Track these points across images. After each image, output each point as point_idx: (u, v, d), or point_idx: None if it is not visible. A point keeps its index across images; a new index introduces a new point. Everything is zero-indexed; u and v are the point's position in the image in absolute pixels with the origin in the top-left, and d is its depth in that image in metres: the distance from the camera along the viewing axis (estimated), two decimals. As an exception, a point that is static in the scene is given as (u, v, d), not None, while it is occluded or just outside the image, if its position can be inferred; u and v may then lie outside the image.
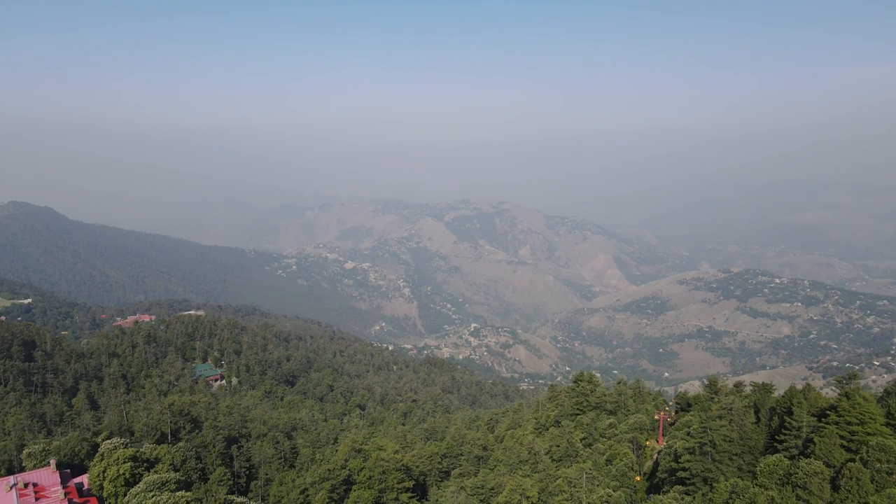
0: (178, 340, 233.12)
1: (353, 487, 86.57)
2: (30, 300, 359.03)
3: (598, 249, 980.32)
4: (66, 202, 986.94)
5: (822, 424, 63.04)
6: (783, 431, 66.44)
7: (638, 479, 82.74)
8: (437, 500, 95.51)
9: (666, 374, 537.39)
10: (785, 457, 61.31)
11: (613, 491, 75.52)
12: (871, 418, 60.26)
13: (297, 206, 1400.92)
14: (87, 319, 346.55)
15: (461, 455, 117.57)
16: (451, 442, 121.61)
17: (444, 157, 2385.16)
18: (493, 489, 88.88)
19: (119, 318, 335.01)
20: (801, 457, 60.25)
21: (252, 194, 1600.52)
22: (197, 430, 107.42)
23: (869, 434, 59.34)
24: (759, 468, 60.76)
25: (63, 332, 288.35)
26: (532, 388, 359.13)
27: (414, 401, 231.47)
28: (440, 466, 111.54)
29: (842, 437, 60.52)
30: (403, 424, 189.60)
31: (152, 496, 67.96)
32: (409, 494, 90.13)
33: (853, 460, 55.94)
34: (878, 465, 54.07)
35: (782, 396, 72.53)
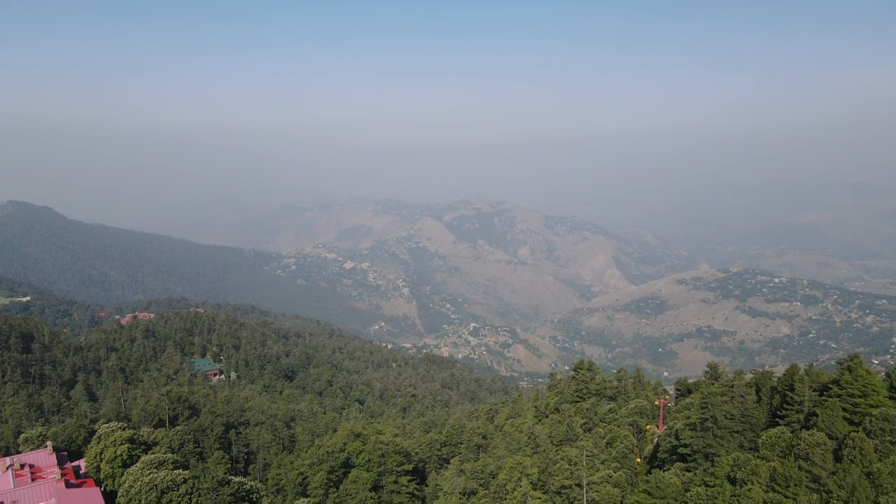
0: (176, 336, 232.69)
1: (352, 470, 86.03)
2: (28, 298, 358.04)
3: (598, 249, 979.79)
4: (66, 202, 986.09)
5: (825, 398, 62.62)
6: (785, 406, 66.01)
7: (638, 460, 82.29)
8: (436, 484, 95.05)
9: (665, 373, 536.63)
10: (787, 430, 60.87)
11: (614, 472, 75.11)
12: (873, 390, 59.87)
13: (297, 206, 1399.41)
14: (86, 317, 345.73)
15: (461, 444, 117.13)
16: (451, 431, 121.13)
17: (444, 157, 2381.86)
18: (492, 473, 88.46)
19: (118, 316, 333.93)
20: (804, 430, 59.80)
21: (251, 194, 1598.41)
22: (195, 417, 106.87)
23: (872, 406, 58.88)
24: (760, 440, 60.32)
25: (62, 330, 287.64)
26: (531, 386, 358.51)
27: (413, 396, 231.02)
28: (440, 454, 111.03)
29: (844, 410, 60.11)
30: (402, 418, 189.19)
31: (149, 474, 67.45)
32: (409, 477, 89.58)
33: (856, 431, 55.52)
34: (882, 434, 53.63)
35: (783, 375, 72.14)
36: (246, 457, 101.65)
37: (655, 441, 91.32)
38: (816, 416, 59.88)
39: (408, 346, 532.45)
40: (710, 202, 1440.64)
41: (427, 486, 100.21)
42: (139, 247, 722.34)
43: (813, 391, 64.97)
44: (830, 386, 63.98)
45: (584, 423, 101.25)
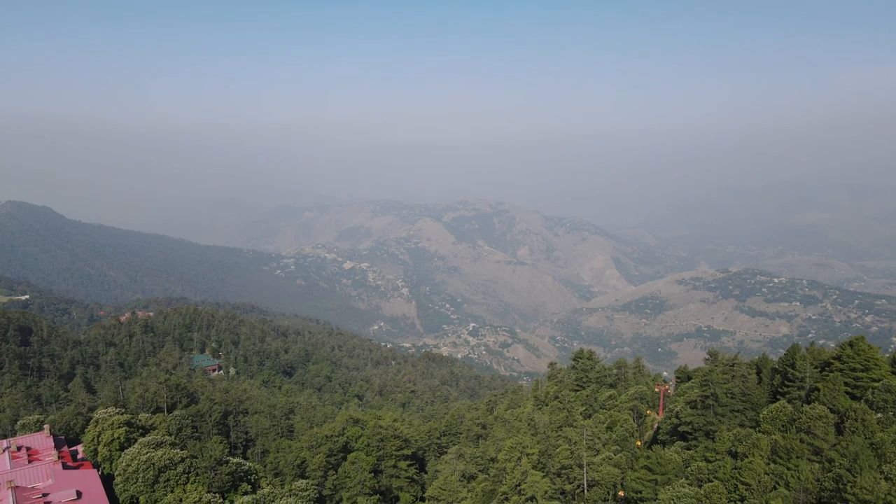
0: (175, 331, 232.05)
1: (351, 453, 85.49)
2: (27, 296, 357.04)
3: (597, 250, 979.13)
4: (65, 202, 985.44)
5: (826, 373, 62.17)
6: (786, 384, 65.58)
7: (639, 443, 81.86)
8: (435, 470, 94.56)
9: (665, 372, 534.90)
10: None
11: (614, 454, 74.65)
12: (875, 364, 59.43)
13: (296, 206, 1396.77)
14: (85, 316, 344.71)
15: (460, 433, 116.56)
16: (451, 420, 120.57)
17: (444, 157, 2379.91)
18: (492, 459, 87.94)
19: (115, 314, 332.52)
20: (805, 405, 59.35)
21: (251, 194, 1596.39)
22: (193, 405, 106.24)
23: (874, 380, 58.46)
24: (762, 415, 59.84)
25: (61, 329, 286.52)
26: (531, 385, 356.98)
27: (412, 391, 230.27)
28: (439, 442, 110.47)
29: (846, 384, 59.65)
30: (402, 413, 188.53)
31: (147, 452, 66.93)
32: (408, 462, 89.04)
33: (858, 404, 55.02)
34: (885, 405, 53.14)
35: (784, 354, 71.69)
36: (245, 443, 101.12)
37: (656, 426, 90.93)
38: (818, 390, 59.46)
39: (407, 345, 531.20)
40: (710, 203, 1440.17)
41: (426, 473, 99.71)
42: (138, 247, 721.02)
43: (814, 368, 64.58)
44: (832, 361, 63.58)
45: (584, 411, 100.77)
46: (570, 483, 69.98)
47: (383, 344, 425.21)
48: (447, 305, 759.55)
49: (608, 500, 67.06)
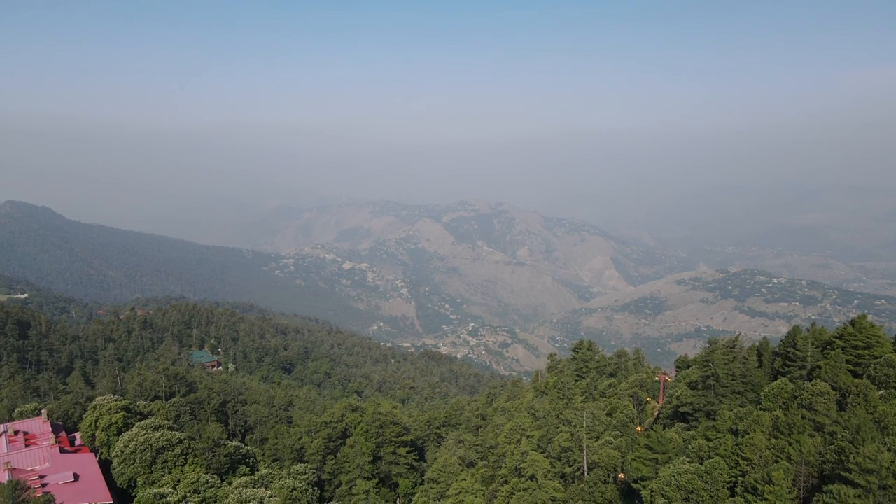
0: (174, 328, 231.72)
1: (350, 438, 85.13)
2: (26, 295, 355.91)
3: (597, 250, 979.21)
4: (64, 202, 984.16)
5: (828, 352, 61.85)
6: (787, 364, 65.27)
7: (639, 429, 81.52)
8: (434, 458, 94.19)
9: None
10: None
11: (614, 439, 74.29)
12: (877, 342, 59.15)
13: (296, 207, 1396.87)
14: (84, 314, 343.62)
15: (460, 424, 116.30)
16: (450, 411, 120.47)
17: (443, 157, 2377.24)
18: (491, 447, 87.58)
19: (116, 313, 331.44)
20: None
21: (250, 195, 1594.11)
22: (192, 394, 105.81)
23: (875, 357, 58.17)
24: (763, 393, 59.52)
25: (60, 324, 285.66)
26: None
27: (412, 388, 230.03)
28: (438, 432, 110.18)
29: (848, 362, 59.35)
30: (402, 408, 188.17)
31: (144, 434, 66.52)
32: (407, 449, 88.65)
33: (860, 380, 54.70)
34: (887, 381, 52.81)
35: (786, 337, 71.32)
36: (243, 430, 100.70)
37: (656, 413, 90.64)
38: (819, 368, 59.16)
39: (406, 345, 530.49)
40: (709, 203, 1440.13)
41: (426, 462, 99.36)
42: (137, 247, 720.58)
43: (816, 347, 64.27)
44: (834, 340, 63.29)
45: (583, 399, 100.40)
46: (570, 466, 69.66)
47: (383, 343, 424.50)
48: (446, 306, 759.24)
49: (608, 482, 66.66)
